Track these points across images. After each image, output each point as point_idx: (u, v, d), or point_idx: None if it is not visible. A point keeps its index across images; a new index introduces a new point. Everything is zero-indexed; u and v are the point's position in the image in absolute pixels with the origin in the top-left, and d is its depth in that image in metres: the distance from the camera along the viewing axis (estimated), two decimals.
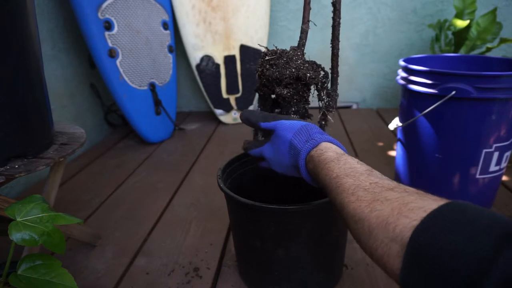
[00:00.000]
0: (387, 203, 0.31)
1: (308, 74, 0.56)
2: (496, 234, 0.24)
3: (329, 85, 0.61)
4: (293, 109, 0.60)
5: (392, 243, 0.29)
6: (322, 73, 0.59)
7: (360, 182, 0.36)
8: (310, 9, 0.60)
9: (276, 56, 0.58)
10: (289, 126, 0.50)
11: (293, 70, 0.56)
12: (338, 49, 0.61)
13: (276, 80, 0.57)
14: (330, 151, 0.43)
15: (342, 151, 0.44)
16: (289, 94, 0.58)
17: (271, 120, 0.53)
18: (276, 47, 0.60)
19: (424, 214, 0.28)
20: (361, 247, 0.34)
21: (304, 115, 0.62)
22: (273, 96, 0.62)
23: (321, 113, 0.63)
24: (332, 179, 0.39)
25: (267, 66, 0.58)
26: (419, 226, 0.27)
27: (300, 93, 0.59)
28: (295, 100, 0.59)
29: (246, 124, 0.58)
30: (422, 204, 0.29)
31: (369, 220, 0.32)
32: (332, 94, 0.61)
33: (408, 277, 0.27)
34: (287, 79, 0.56)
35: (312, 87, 0.60)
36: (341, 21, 0.60)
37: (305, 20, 0.60)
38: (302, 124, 0.50)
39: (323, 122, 0.63)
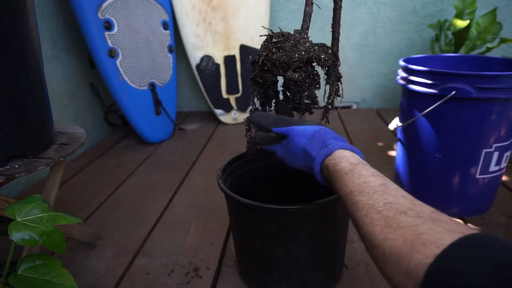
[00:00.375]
0: (399, 231, 0.32)
1: (322, 56, 0.54)
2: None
3: (339, 68, 0.59)
4: (306, 93, 0.58)
5: (407, 278, 0.29)
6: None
7: (374, 201, 0.36)
8: None
9: (283, 38, 0.55)
10: (302, 132, 0.49)
11: (303, 53, 0.54)
12: (339, 33, 0.58)
13: (283, 64, 0.54)
14: (344, 161, 0.43)
15: (356, 160, 0.43)
16: (301, 78, 0.55)
17: (282, 125, 0.52)
18: (280, 29, 0.57)
19: (437, 251, 0.28)
20: (380, 272, 0.34)
21: (314, 99, 0.59)
22: (278, 83, 0.59)
23: (330, 98, 0.60)
24: (347, 195, 0.39)
25: (273, 50, 0.55)
26: (431, 266, 0.27)
27: (311, 76, 0.56)
28: (307, 84, 0.56)
29: (257, 128, 0.56)
30: (435, 238, 0.29)
31: (383, 248, 0.32)
32: (340, 77, 0.59)
33: None
34: (296, 62, 0.54)
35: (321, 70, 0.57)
36: (341, 21, 0.59)
37: (309, 2, 0.57)
38: (315, 130, 0.48)
39: (329, 107, 0.61)
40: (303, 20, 0.58)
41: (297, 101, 0.59)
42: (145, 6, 1.38)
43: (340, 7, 0.57)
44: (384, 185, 0.38)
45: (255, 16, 1.57)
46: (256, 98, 0.63)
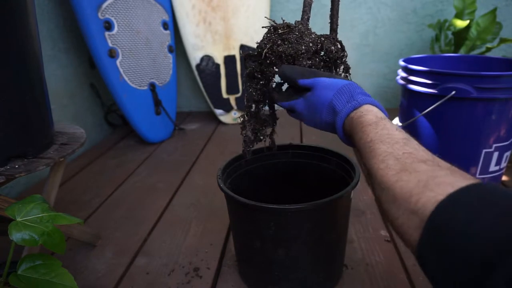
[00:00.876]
0: (415, 174, 0.31)
1: (333, 48, 0.53)
2: None
3: (346, 59, 0.57)
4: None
5: (413, 215, 0.29)
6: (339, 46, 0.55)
7: (394, 150, 0.35)
8: None
9: (288, 30, 0.52)
10: (330, 84, 0.47)
11: (311, 44, 0.52)
12: (337, 24, 0.57)
13: (289, 56, 0.52)
14: (371, 114, 0.42)
15: (383, 115, 0.42)
16: (316, 63, 0.54)
17: (309, 77, 0.50)
18: (283, 20, 0.55)
19: (451, 190, 0.27)
20: (385, 214, 0.34)
21: None
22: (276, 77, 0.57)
23: None
24: (366, 143, 0.38)
25: (279, 42, 0.52)
26: (442, 201, 0.27)
27: (324, 63, 0.54)
28: (321, 70, 0.55)
29: (283, 80, 0.54)
30: (450, 180, 0.28)
31: (394, 189, 0.31)
32: (349, 68, 0.57)
33: (424, 251, 0.27)
34: (304, 54, 0.52)
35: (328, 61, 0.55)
36: (341, 20, 0.58)
37: None
38: (344, 83, 0.46)
39: None
40: (303, 11, 0.56)
41: None
42: (145, 6, 1.38)
43: None
44: (406, 139, 0.37)
45: (255, 16, 1.57)
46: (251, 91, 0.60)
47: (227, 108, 1.66)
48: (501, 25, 1.28)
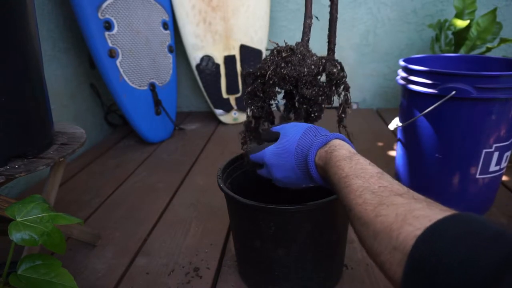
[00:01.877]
0: (393, 207, 0.31)
1: (335, 70, 0.54)
2: (499, 254, 0.23)
3: (346, 79, 0.59)
4: (316, 108, 0.58)
5: (395, 251, 0.28)
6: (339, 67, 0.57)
7: (369, 184, 0.35)
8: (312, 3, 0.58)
9: (291, 52, 0.54)
10: (296, 126, 0.49)
11: (313, 67, 0.54)
12: (335, 44, 0.59)
13: (292, 78, 0.54)
14: (343, 149, 0.42)
15: (354, 150, 0.43)
16: (314, 93, 0.56)
17: (274, 131, 0.53)
18: (278, 45, 0.57)
19: (428, 224, 0.27)
20: (365, 250, 0.34)
21: (321, 111, 0.60)
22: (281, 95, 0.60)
23: (340, 109, 0.61)
24: (342, 178, 0.38)
25: (282, 64, 0.54)
26: (421, 235, 0.27)
27: (324, 92, 0.57)
28: (320, 100, 0.57)
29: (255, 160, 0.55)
30: (428, 213, 0.28)
31: (374, 224, 0.31)
32: (349, 87, 0.59)
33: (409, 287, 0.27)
34: (306, 76, 0.54)
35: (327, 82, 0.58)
36: (341, 20, 0.59)
37: (309, 15, 0.58)
38: (310, 125, 0.49)
39: (343, 115, 0.61)
40: (304, 33, 0.59)
41: (307, 112, 0.60)
42: (145, 6, 1.38)
43: (336, 18, 0.58)
44: (380, 173, 0.38)
45: (255, 16, 1.57)
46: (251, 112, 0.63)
47: (227, 108, 1.66)
48: (501, 25, 1.28)
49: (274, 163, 0.51)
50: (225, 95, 1.64)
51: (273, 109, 0.64)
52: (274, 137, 0.53)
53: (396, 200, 0.32)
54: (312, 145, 0.45)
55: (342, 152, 0.42)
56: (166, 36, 1.50)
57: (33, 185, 1.14)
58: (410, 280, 0.27)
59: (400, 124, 0.92)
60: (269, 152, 0.51)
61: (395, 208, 0.31)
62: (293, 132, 0.49)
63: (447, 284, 0.24)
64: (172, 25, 1.53)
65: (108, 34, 1.25)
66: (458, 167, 0.82)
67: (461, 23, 1.29)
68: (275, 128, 0.52)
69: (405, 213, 0.30)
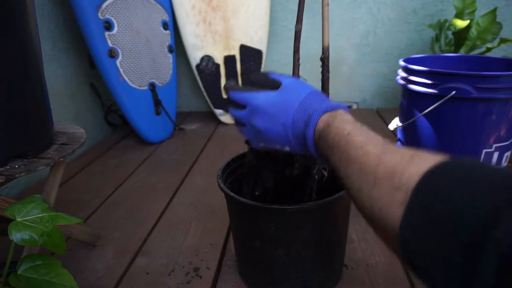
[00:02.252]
0: (397, 153, 0.30)
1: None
2: (500, 197, 0.22)
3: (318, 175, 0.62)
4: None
5: (396, 191, 0.27)
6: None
7: (372, 141, 0.34)
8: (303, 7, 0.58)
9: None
10: (301, 83, 0.46)
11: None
12: (328, 76, 0.60)
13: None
14: (348, 116, 0.40)
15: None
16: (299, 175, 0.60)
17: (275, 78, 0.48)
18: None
19: (434, 163, 0.26)
20: (358, 205, 0.32)
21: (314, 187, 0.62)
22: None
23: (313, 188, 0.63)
24: (343, 136, 0.36)
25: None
26: (430, 171, 0.26)
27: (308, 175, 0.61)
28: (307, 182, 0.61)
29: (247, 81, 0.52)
30: (434, 157, 0.27)
31: (375, 173, 0.30)
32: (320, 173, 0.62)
33: (409, 227, 0.26)
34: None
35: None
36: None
37: (299, 20, 0.57)
38: (316, 89, 0.45)
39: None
40: (295, 40, 0.61)
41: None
42: (145, 6, 1.38)
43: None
44: (384, 138, 0.36)
45: (255, 16, 1.57)
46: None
47: (227, 108, 1.66)
48: (501, 25, 1.28)
49: (265, 110, 0.45)
50: (225, 95, 1.64)
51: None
52: (271, 85, 0.48)
53: (401, 149, 0.31)
54: (319, 107, 0.42)
55: (347, 117, 0.40)
56: (166, 36, 1.50)
57: (33, 185, 1.14)
58: (413, 216, 0.26)
59: (400, 124, 0.92)
60: (263, 96, 0.46)
61: (401, 153, 0.30)
62: (299, 88, 0.45)
63: (457, 217, 0.23)
64: (172, 25, 1.53)
65: (108, 34, 1.24)
66: None
67: (461, 23, 1.29)
68: (275, 76, 0.48)
69: (411, 154, 0.29)
